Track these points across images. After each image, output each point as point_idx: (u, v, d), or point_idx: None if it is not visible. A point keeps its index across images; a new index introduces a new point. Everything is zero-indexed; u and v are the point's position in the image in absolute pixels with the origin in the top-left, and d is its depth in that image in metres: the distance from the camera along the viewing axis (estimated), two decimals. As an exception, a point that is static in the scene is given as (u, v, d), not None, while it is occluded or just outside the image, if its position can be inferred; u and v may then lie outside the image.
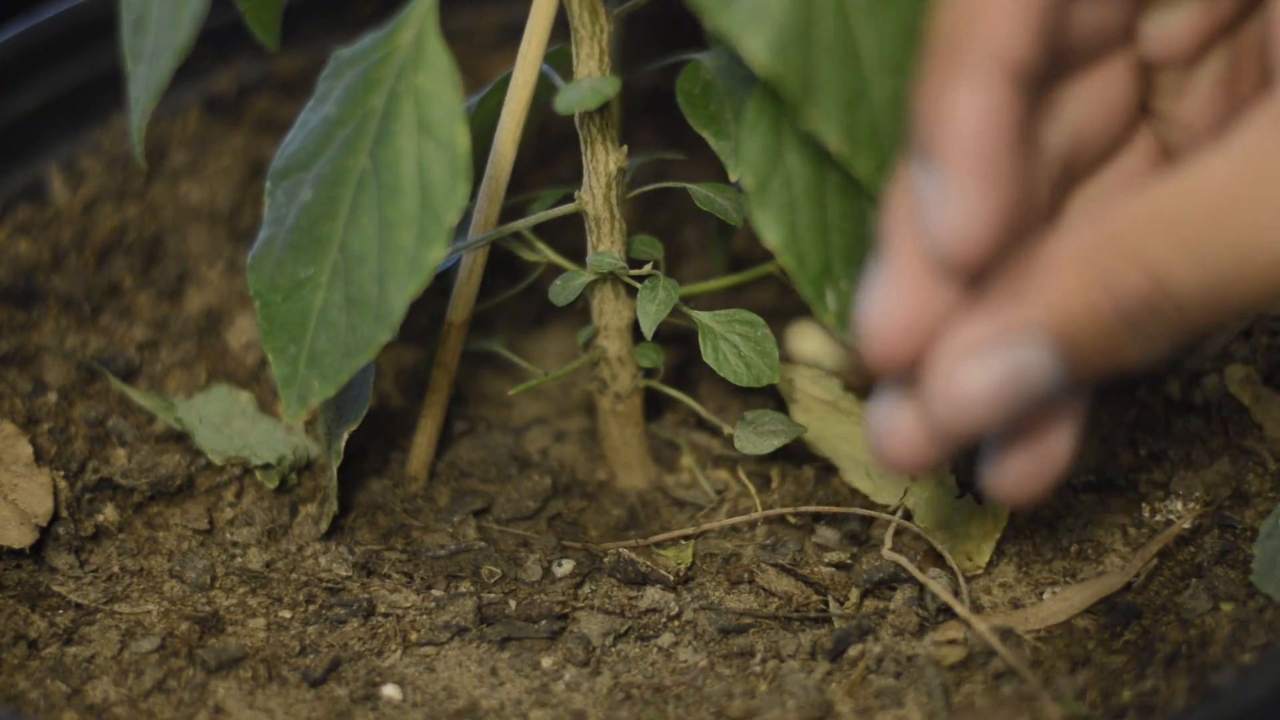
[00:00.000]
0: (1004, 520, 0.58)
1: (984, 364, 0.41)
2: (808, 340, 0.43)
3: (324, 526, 0.59)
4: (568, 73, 0.56)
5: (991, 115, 0.40)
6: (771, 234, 0.49)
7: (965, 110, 0.40)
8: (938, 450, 0.43)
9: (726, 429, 0.60)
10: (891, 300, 0.42)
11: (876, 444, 0.44)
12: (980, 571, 0.57)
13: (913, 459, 0.43)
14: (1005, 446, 0.45)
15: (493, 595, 0.57)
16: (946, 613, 0.55)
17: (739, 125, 0.55)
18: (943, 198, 0.40)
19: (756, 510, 0.60)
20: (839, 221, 0.51)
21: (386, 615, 0.57)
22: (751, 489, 0.60)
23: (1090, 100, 0.46)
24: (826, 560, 0.58)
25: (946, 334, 0.41)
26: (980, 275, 0.42)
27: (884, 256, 0.42)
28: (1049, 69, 0.42)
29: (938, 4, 0.41)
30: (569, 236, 0.61)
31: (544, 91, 0.57)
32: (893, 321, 0.42)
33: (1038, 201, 0.45)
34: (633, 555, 0.58)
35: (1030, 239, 0.42)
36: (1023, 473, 0.45)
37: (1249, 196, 0.39)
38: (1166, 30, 0.45)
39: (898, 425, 0.43)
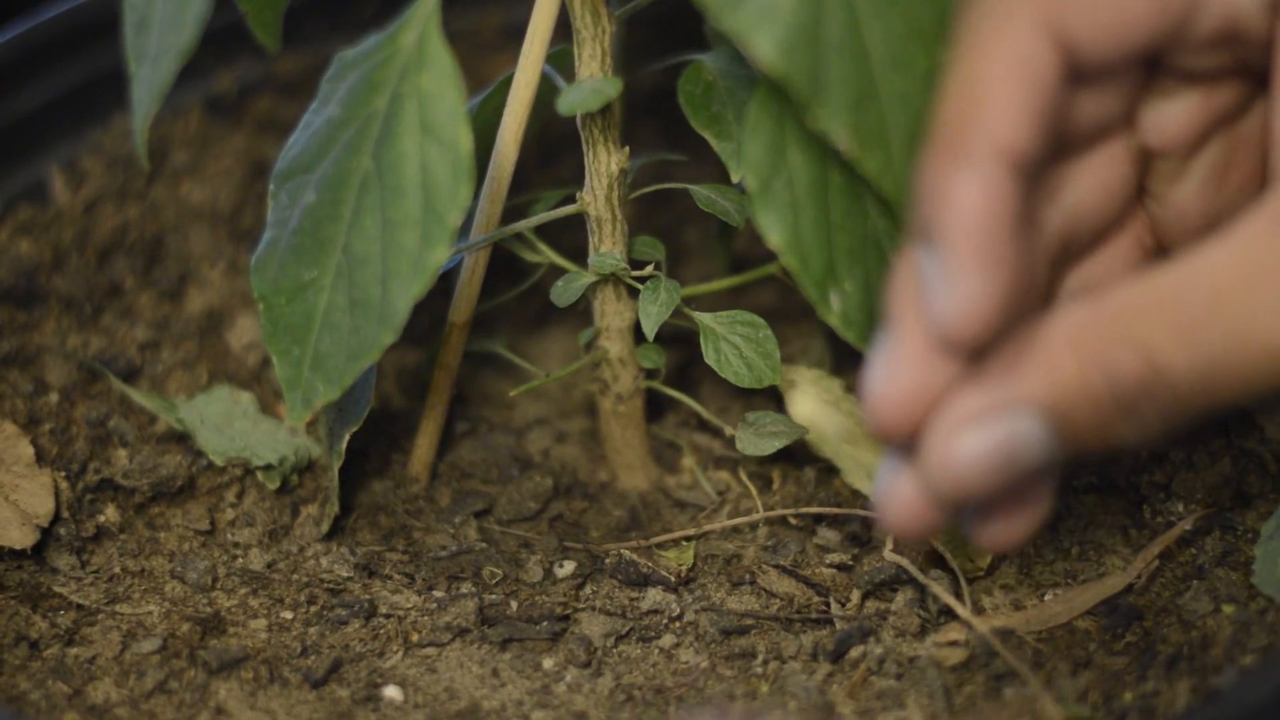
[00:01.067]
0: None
1: (979, 434, 0.42)
2: (802, 404, 0.45)
3: (325, 527, 0.59)
4: (570, 74, 0.56)
5: (992, 202, 0.41)
6: (775, 235, 0.49)
7: (967, 197, 0.41)
8: (936, 516, 0.44)
9: (728, 430, 0.60)
10: (895, 374, 0.43)
11: (879, 509, 0.45)
12: (981, 573, 0.57)
13: (912, 524, 0.44)
14: (988, 504, 0.46)
15: (494, 596, 0.57)
16: (948, 614, 0.55)
17: (741, 126, 0.55)
18: (945, 279, 0.42)
19: (758, 511, 0.60)
20: (842, 222, 0.51)
21: (388, 616, 0.57)
22: (753, 490, 0.60)
23: (1089, 183, 0.47)
24: (828, 561, 0.58)
25: (945, 405, 0.43)
26: (980, 352, 0.43)
27: (889, 331, 0.43)
28: (1050, 153, 0.44)
29: (943, 85, 0.43)
30: (571, 237, 0.61)
31: (546, 92, 0.57)
32: (895, 394, 0.43)
33: (1036, 281, 0.46)
34: (634, 556, 0.58)
35: (1028, 317, 0.43)
36: (1004, 528, 0.46)
37: (1246, 289, 0.41)
38: (1165, 120, 0.47)
39: (898, 491, 0.44)
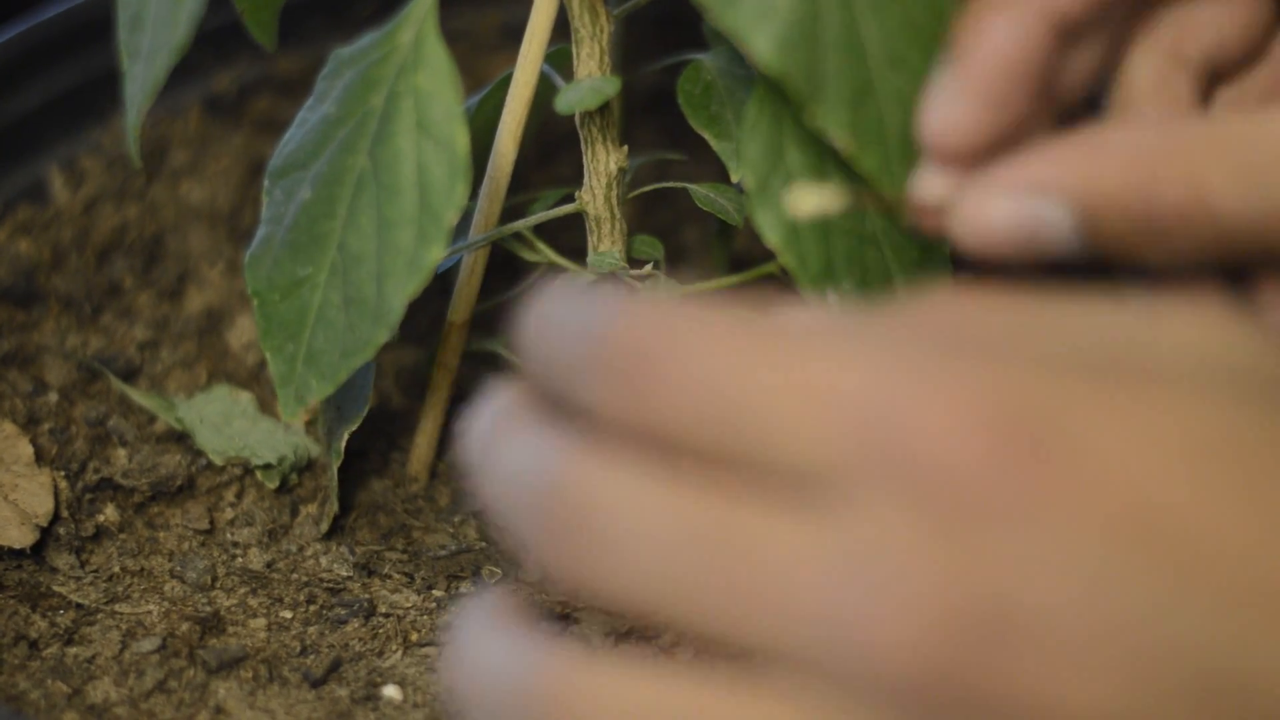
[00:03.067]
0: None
1: (1009, 203, 0.44)
2: (807, 200, 0.44)
3: (324, 527, 0.59)
4: (568, 73, 0.56)
5: (1018, 48, 0.43)
6: (772, 233, 0.49)
7: (993, 38, 0.43)
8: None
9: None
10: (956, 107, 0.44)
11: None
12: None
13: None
14: None
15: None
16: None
17: (740, 125, 0.55)
18: (944, 86, 0.44)
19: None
20: (840, 221, 0.51)
21: (387, 615, 0.57)
22: None
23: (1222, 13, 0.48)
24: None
25: (996, 165, 0.44)
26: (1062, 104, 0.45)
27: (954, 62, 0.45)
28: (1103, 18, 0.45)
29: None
30: (570, 236, 0.61)
31: (545, 91, 0.57)
32: (956, 124, 0.44)
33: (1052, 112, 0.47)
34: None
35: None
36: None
37: None
38: None
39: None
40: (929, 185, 0.46)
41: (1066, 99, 0.47)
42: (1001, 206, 0.44)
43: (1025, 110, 0.44)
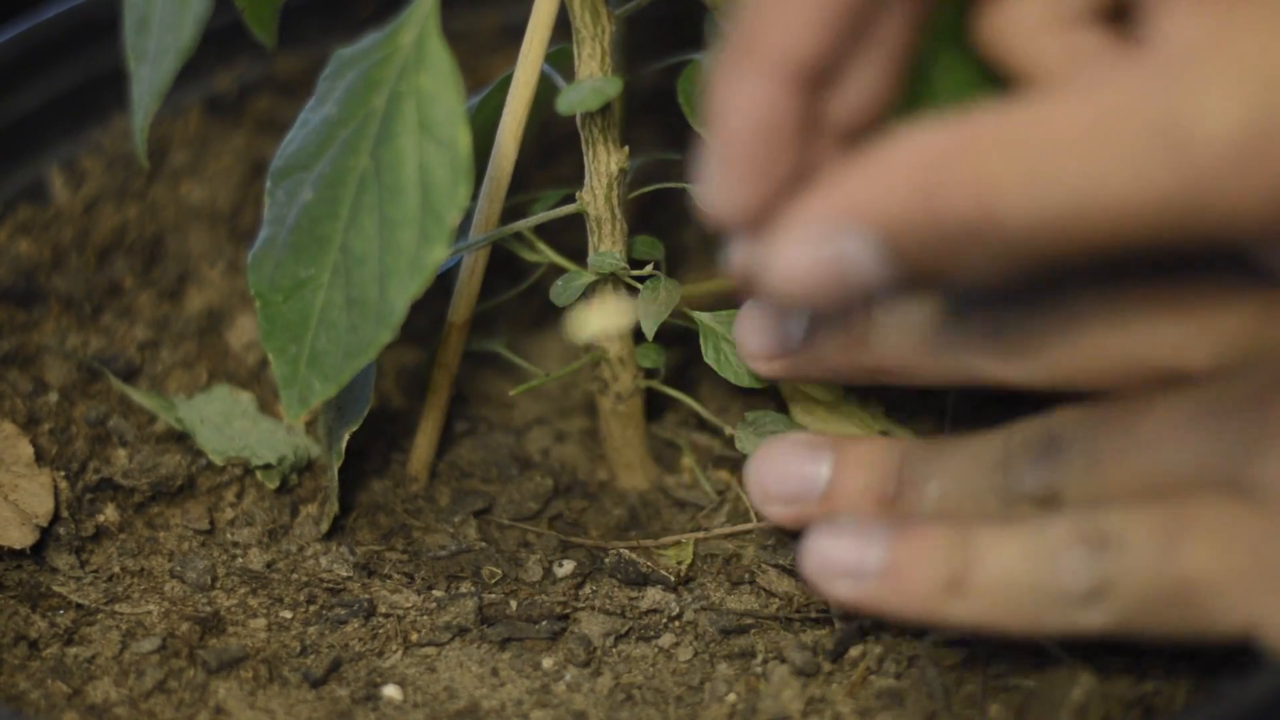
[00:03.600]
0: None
1: (808, 247, 0.41)
2: (597, 319, 0.44)
3: (325, 527, 0.59)
4: (569, 73, 0.56)
5: (761, 112, 0.42)
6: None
7: (739, 103, 0.42)
8: (784, 338, 0.46)
9: (727, 429, 0.60)
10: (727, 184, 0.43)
11: (737, 341, 0.47)
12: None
13: (764, 348, 0.45)
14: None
15: (493, 596, 0.57)
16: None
17: None
18: (713, 170, 0.43)
19: (754, 517, 0.60)
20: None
21: (387, 616, 0.57)
22: (745, 495, 0.60)
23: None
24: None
25: (786, 211, 0.42)
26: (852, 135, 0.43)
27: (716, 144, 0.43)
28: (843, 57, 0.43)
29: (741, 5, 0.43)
30: (570, 237, 0.61)
31: (545, 92, 0.57)
32: (730, 201, 0.43)
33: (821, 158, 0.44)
34: (633, 556, 0.58)
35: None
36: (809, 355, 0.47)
37: (1109, 141, 0.39)
38: None
39: (748, 315, 0.45)
40: (735, 257, 0.44)
41: (860, 119, 0.45)
42: (800, 255, 0.41)
43: (795, 159, 0.42)
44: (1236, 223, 0.39)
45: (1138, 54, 0.40)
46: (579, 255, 0.59)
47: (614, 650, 0.56)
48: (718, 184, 0.43)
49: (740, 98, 0.42)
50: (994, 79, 0.45)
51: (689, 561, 0.58)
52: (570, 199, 0.58)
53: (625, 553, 0.58)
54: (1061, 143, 0.39)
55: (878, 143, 0.41)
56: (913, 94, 0.45)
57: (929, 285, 0.42)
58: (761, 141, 0.42)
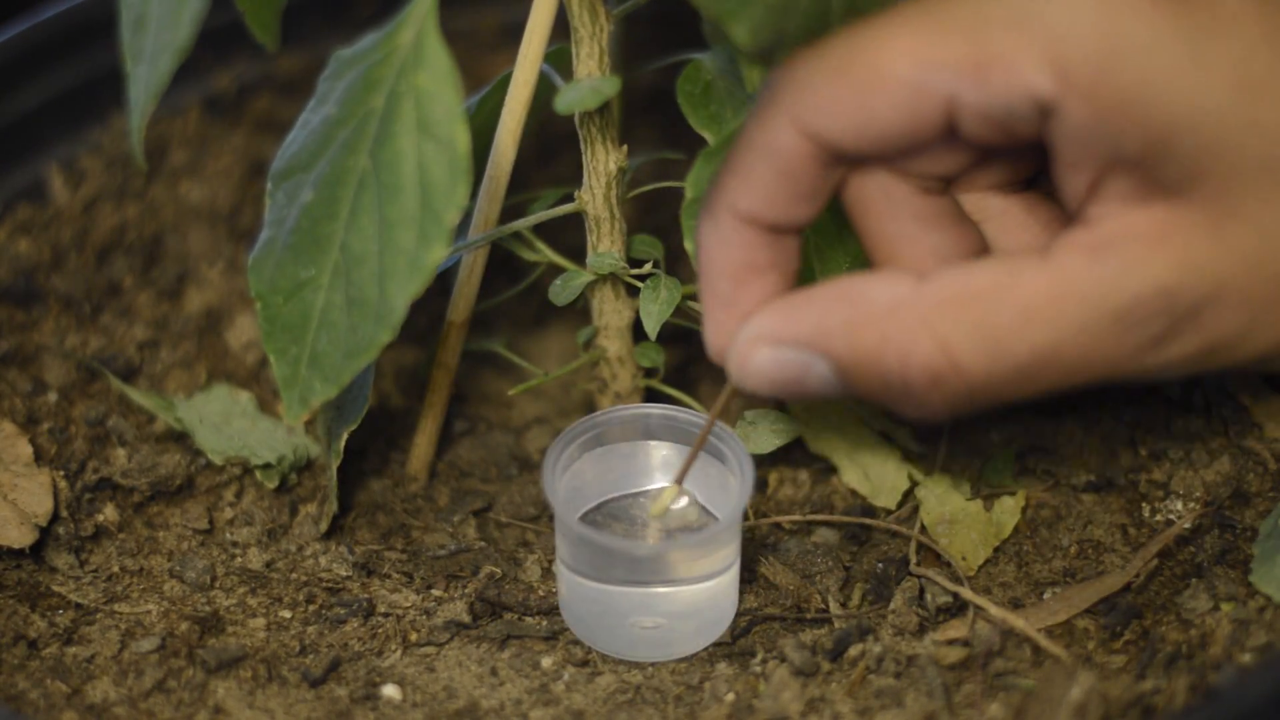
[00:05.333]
0: (1008, 529, 0.58)
1: (774, 355, 0.48)
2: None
3: (324, 526, 0.59)
4: (568, 72, 0.56)
5: (726, 252, 0.48)
6: (692, 240, 0.49)
7: (705, 245, 0.49)
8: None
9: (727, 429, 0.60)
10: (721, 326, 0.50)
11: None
12: (972, 574, 0.57)
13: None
14: None
15: (492, 595, 0.57)
16: (947, 612, 0.55)
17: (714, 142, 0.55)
18: (704, 314, 0.50)
19: (750, 517, 0.60)
20: (826, 228, 0.52)
21: (386, 615, 0.57)
22: None
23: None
24: (827, 560, 0.58)
25: (755, 316, 0.48)
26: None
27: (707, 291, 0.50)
28: (796, 206, 0.48)
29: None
30: (569, 236, 0.61)
31: (544, 91, 0.57)
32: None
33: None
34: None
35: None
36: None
37: (1057, 312, 0.45)
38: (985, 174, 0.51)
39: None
40: (706, 331, 0.50)
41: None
42: (764, 358, 0.48)
43: (760, 292, 0.49)
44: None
45: (1080, 236, 0.45)
46: (578, 254, 0.59)
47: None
48: (705, 316, 0.49)
49: (704, 237, 0.49)
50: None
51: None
52: (569, 198, 0.58)
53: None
54: (1023, 312, 0.45)
55: (857, 276, 0.47)
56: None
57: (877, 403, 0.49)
58: (725, 275, 0.49)
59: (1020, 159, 0.49)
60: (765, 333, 0.48)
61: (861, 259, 0.53)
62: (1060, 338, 0.45)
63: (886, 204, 0.49)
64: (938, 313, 0.45)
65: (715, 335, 0.49)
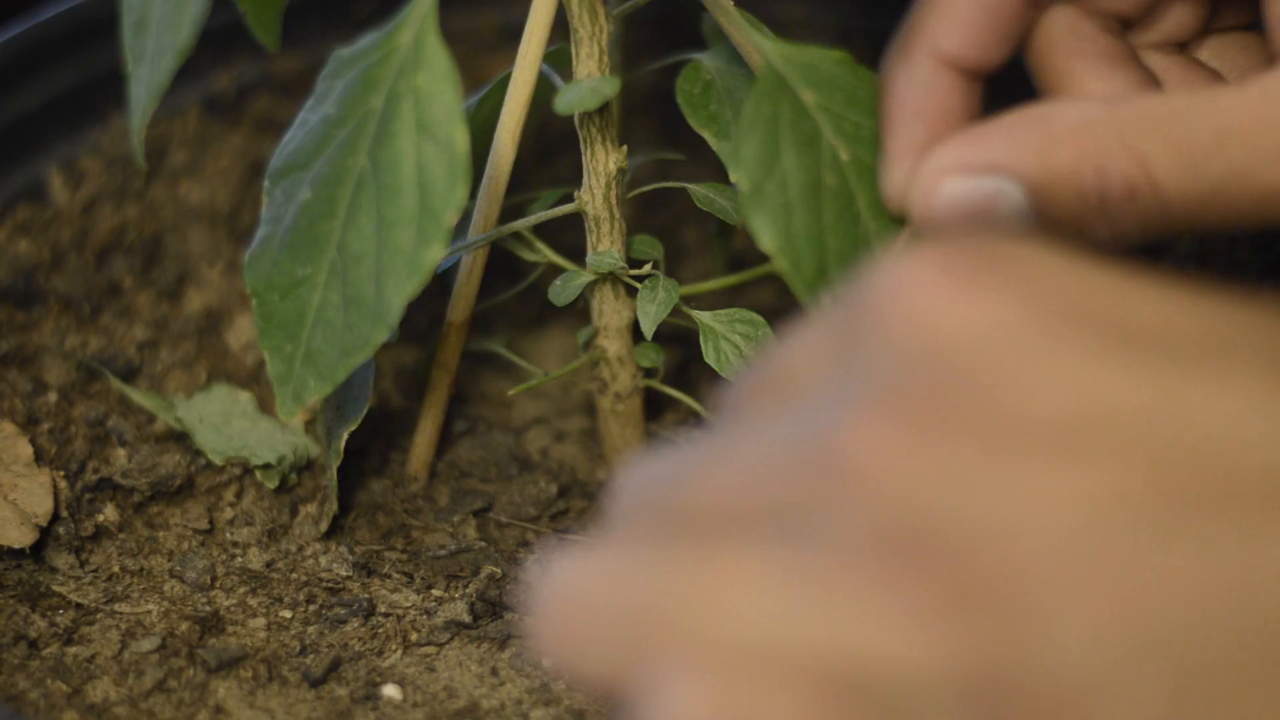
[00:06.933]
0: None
1: (965, 184, 0.47)
2: None
3: (324, 526, 0.59)
4: (567, 73, 0.56)
5: (920, 98, 0.48)
6: (766, 237, 0.49)
7: (899, 88, 0.48)
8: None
9: (726, 429, 0.60)
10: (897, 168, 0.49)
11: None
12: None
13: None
14: None
15: (493, 594, 0.57)
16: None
17: (737, 127, 0.55)
18: (884, 159, 0.48)
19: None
20: (834, 225, 0.51)
21: (387, 615, 0.57)
22: None
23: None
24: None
25: (942, 146, 0.47)
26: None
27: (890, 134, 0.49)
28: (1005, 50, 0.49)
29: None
30: (569, 236, 0.61)
31: (544, 91, 0.57)
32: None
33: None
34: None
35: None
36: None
37: (1254, 135, 0.44)
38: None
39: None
40: (890, 177, 0.49)
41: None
42: (953, 188, 0.46)
43: (956, 124, 0.47)
44: None
45: None
46: (578, 255, 0.59)
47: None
48: (883, 165, 0.48)
49: (897, 81, 0.48)
50: None
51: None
52: (569, 198, 0.58)
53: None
54: (1220, 132, 0.45)
55: (1045, 103, 0.47)
56: None
57: (1064, 227, 0.48)
58: (923, 123, 0.48)
59: (1195, 6, 0.50)
60: (953, 161, 0.47)
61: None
62: (1257, 159, 0.44)
63: (1076, 41, 0.49)
64: (1134, 129, 0.45)
65: (898, 178, 0.48)
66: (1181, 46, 0.51)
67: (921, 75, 0.47)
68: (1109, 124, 0.45)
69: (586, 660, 0.33)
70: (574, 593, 0.33)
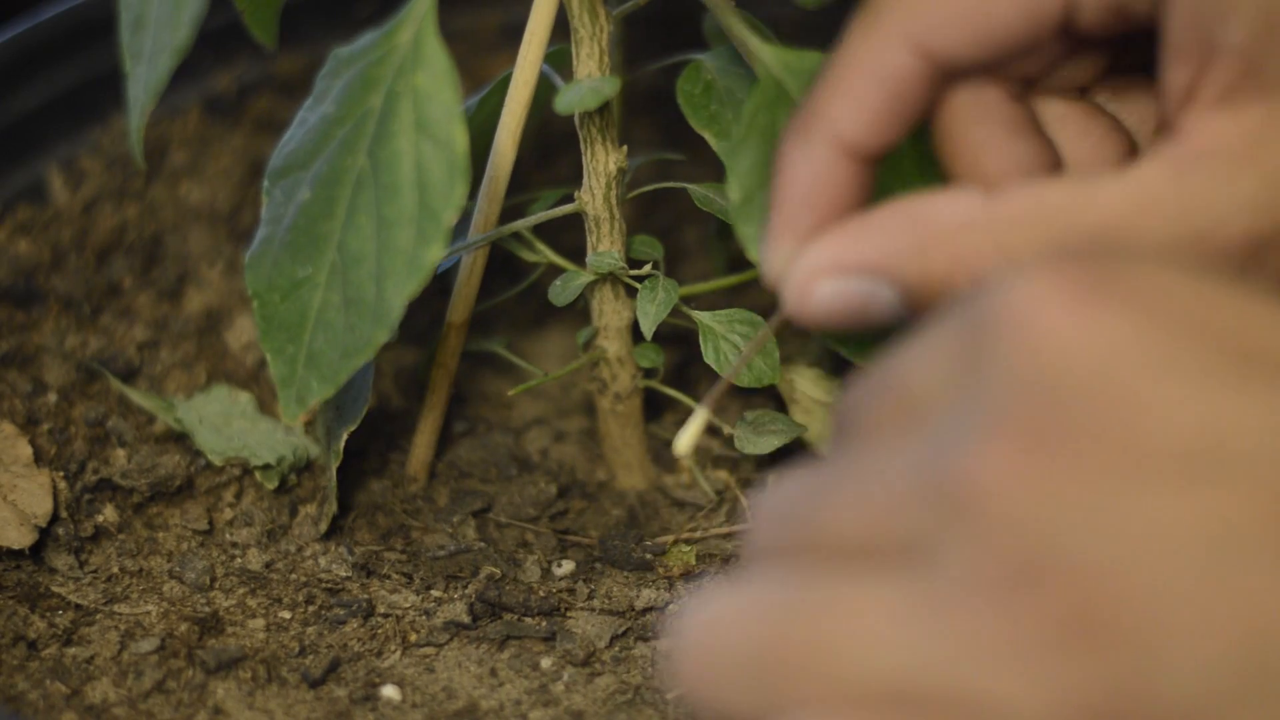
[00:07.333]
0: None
1: (838, 285, 0.45)
2: (687, 441, 0.47)
3: (323, 527, 0.59)
4: (568, 73, 0.56)
5: (815, 181, 0.45)
6: (755, 248, 0.49)
7: (793, 172, 0.46)
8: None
9: (726, 429, 0.60)
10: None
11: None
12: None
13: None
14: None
15: (492, 595, 0.57)
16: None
17: (732, 136, 0.55)
18: (768, 235, 0.46)
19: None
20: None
21: (386, 616, 0.57)
22: (743, 498, 0.60)
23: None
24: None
25: (815, 242, 0.45)
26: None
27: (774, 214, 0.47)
28: (895, 135, 0.47)
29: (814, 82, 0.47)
30: (569, 237, 0.61)
31: (544, 91, 0.57)
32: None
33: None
34: (633, 555, 0.58)
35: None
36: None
37: (1132, 230, 0.43)
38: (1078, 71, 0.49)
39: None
40: (770, 257, 0.47)
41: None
42: (826, 290, 0.45)
43: (843, 212, 0.46)
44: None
45: (1165, 149, 0.43)
46: (578, 255, 0.59)
47: (613, 650, 0.56)
48: (769, 242, 0.46)
49: (792, 164, 0.46)
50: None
51: (689, 561, 0.58)
52: (569, 199, 0.58)
53: (624, 552, 0.58)
54: (1100, 225, 0.43)
55: (920, 196, 0.45)
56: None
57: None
58: (811, 206, 0.46)
59: (1096, 55, 0.48)
60: (828, 261, 0.45)
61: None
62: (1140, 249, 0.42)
63: (979, 111, 0.47)
64: (1009, 230, 0.43)
65: (777, 263, 0.47)
66: (1083, 91, 0.49)
67: (816, 161, 0.46)
68: (985, 224, 0.44)
69: (724, 701, 0.34)
70: (712, 634, 0.34)
